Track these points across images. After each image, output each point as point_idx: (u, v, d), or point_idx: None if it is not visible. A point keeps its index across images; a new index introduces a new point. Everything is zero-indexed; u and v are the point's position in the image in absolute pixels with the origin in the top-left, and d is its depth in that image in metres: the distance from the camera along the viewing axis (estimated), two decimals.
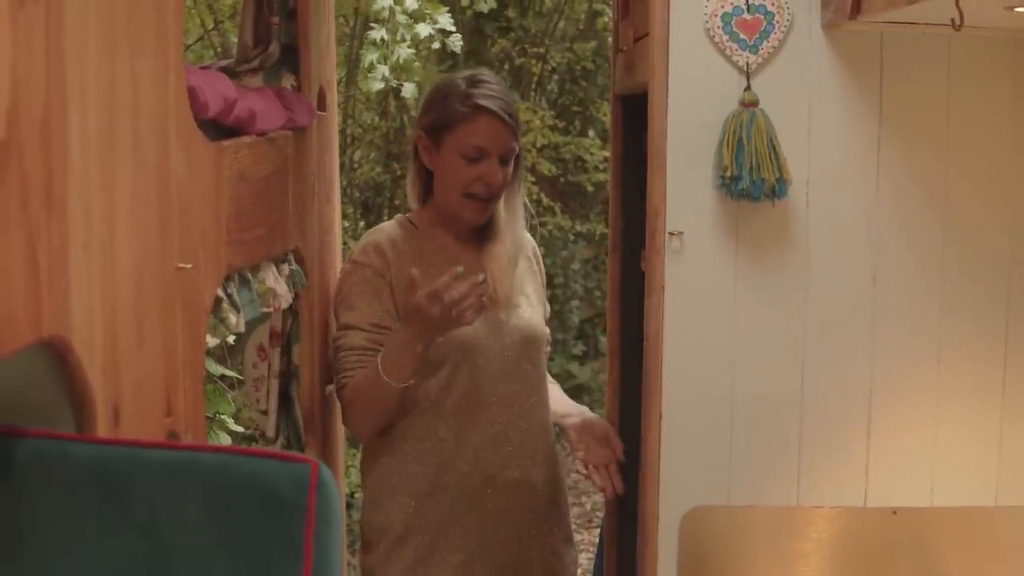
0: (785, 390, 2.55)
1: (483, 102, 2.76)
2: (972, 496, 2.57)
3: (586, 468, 2.94)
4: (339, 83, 7.46)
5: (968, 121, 2.52)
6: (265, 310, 2.48)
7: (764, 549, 2.55)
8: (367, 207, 8.18)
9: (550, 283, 2.85)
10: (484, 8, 6.55)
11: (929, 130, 2.52)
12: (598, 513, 3.10)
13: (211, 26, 7.24)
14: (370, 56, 4.34)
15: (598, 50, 8.88)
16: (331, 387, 2.90)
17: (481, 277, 2.60)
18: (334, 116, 3.13)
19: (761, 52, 2.48)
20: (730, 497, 2.56)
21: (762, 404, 2.55)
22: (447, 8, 4.40)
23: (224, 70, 2.52)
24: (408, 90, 4.47)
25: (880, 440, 2.56)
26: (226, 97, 2.14)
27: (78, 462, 1.41)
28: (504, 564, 2.83)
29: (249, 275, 2.32)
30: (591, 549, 5.92)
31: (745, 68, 2.48)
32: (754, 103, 2.46)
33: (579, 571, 3.36)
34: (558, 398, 3.09)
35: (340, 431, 3.14)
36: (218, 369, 3.62)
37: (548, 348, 3.15)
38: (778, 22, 2.48)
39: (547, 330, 3.09)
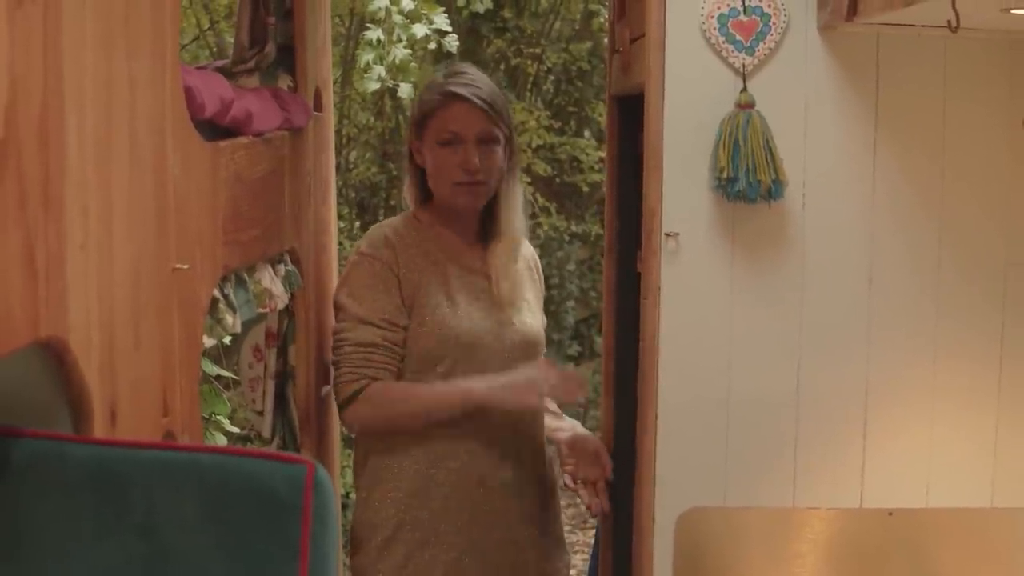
0: (781, 391, 2.55)
1: (454, 89, 2.78)
2: (968, 497, 2.57)
3: (574, 483, 2.92)
4: (335, 83, 7.47)
5: (964, 123, 2.52)
6: (261, 311, 2.49)
7: (760, 550, 2.55)
8: (363, 207, 8.18)
9: (546, 284, 2.85)
10: (480, 8, 6.56)
11: (925, 132, 2.53)
12: (604, 512, 3.12)
13: (207, 26, 7.24)
14: (366, 56, 4.34)
15: (594, 50, 8.89)
16: (327, 388, 2.90)
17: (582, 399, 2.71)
18: (330, 117, 3.13)
19: (757, 54, 2.48)
20: (726, 498, 2.56)
21: (758, 405, 2.55)
22: (443, 8, 4.40)
23: (220, 70, 2.52)
24: (404, 90, 4.48)
25: (876, 441, 2.57)
26: (223, 98, 2.14)
27: (75, 462, 1.41)
28: (497, 564, 2.82)
29: (245, 276, 2.32)
30: (586, 550, 5.93)
31: (741, 69, 2.48)
32: (750, 104, 2.47)
33: (574, 573, 3.35)
34: (552, 410, 3.08)
35: (336, 431, 3.14)
36: (214, 369, 3.61)
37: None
38: (774, 24, 2.48)
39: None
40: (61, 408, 1.46)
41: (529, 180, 8.44)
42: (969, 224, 2.55)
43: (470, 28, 8.38)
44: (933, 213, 2.55)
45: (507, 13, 8.67)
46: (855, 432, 2.56)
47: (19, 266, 1.24)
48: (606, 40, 3.64)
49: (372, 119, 7.81)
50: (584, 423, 3.17)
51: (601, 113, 8.41)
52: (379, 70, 4.31)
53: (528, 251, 3.03)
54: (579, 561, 5.66)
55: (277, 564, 1.39)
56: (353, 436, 2.94)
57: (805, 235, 2.54)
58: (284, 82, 2.74)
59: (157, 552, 1.40)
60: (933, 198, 2.54)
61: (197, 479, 1.42)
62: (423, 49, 4.62)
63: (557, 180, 8.94)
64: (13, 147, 1.21)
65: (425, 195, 2.90)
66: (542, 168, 8.58)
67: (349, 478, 3.21)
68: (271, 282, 2.48)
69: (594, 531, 3.99)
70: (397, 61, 4.30)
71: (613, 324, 3.29)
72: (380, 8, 4.32)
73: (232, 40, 2.75)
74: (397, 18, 4.31)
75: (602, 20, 8.31)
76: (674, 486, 2.55)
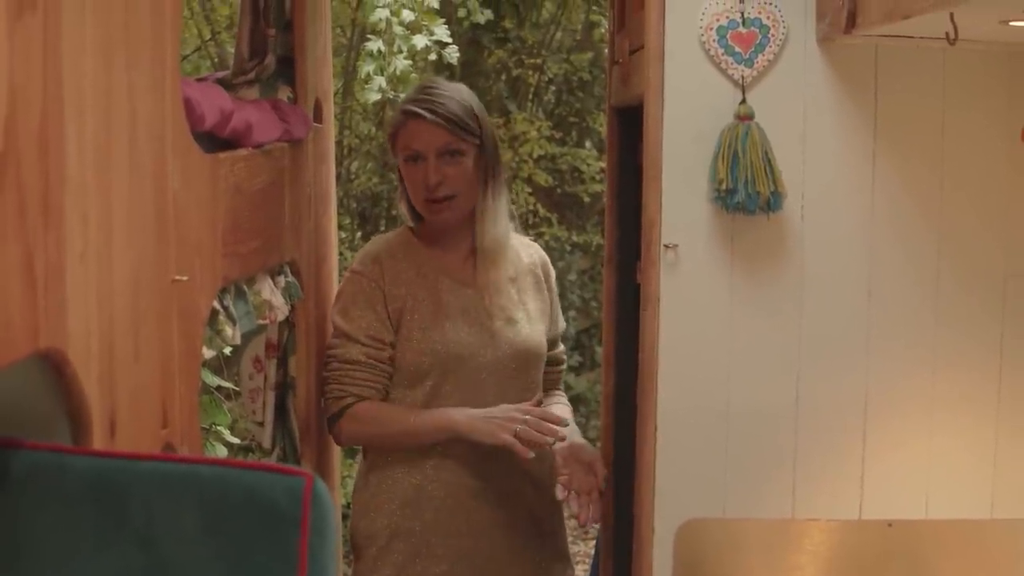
0: (780, 402, 2.55)
1: (409, 107, 2.83)
2: (967, 508, 2.57)
3: (566, 493, 2.90)
4: (336, 94, 7.46)
5: (963, 134, 2.53)
6: (261, 322, 2.49)
7: (759, 562, 2.55)
8: (364, 218, 8.18)
9: None
10: (481, 19, 6.57)
11: (924, 143, 2.53)
12: (595, 525, 3.09)
13: (208, 37, 7.25)
14: (367, 67, 4.35)
15: (595, 61, 8.89)
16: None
17: (552, 441, 2.74)
18: (330, 128, 3.13)
19: (756, 65, 2.49)
20: (725, 509, 2.56)
21: (757, 416, 2.55)
22: (443, 20, 4.41)
23: (220, 82, 2.53)
24: None
25: (875, 452, 2.57)
26: (222, 109, 2.14)
27: (74, 474, 1.41)
28: None
29: (245, 287, 2.32)
30: (587, 561, 5.92)
31: (740, 81, 2.49)
32: (749, 116, 2.47)
33: None
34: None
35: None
36: (214, 380, 3.61)
37: (563, 366, 3.15)
38: (773, 35, 2.48)
39: (559, 347, 3.10)
40: (60, 419, 1.46)
41: (530, 191, 8.44)
42: (968, 235, 2.55)
43: (471, 39, 8.38)
44: (932, 224, 2.55)
45: (508, 24, 8.67)
46: (854, 443, 2.56)
47: (18, 276, 1.24)
48: (607, 51, 3.64)
49: (373, 129, 7.81)
50: (585, 434, 3.16)
51: (602, 123, 8.40)
52: (380, 81, 4.32)
53: (535, 257, 3.03)
54: (581, 572, 5.65)
55: None
56: (359, 447, 2.96)
57: (804, 246, 2.54)
58: (284, 93, 2.74)
59: (156, 564, 1.40)
60: (932, 209, 2.54)
61: (196, 491, 1.41)
62: (424, 60, 4.62)
63: (558, 190, 8.93)
64: (12, 158, 1.22)
65: (417, 211, 2.92)
66: (543, 178, 8.58)
67: (350, 488, 3.21)
68: (271, 293, 2.48)
69: (594, 542, 3.98)
70: (398, 72, 4.31)
71: (613, 335, 3.29)
72: (381, 19, 4.32)
73: (233, 51, 2.76)
74: (398, 29, 4.32)
75: (603, 31, 8.32)
76: (673, 497, 2.55)
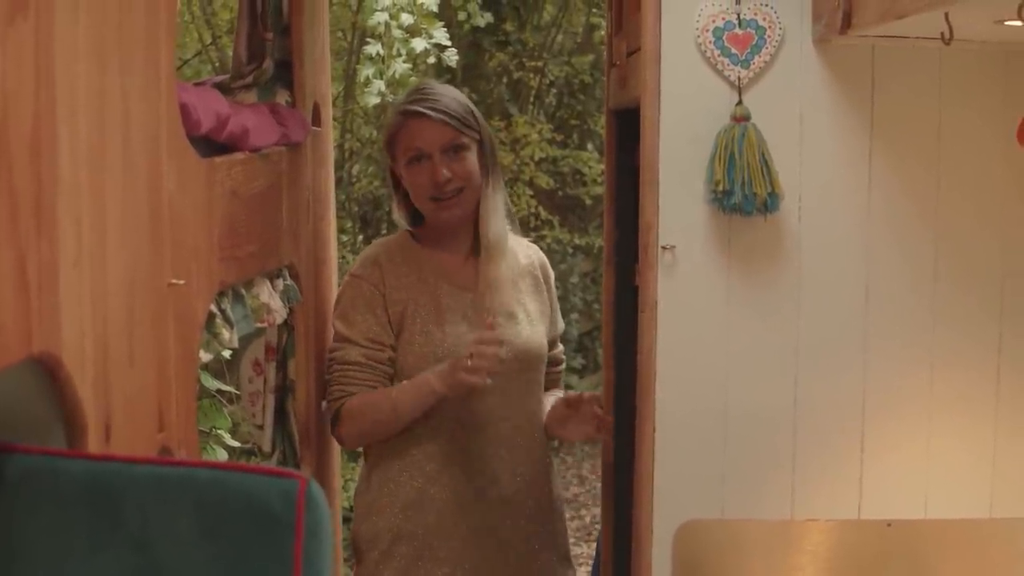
0: (778, 403, 2.55)
1: (410, 107, 2.83)
2: (966, 508, 2.56)
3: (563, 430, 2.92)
4: (337, 97, 7.49)
5: (959, 133, 2.52)
6: (259, 325, 2.49)
7: (758, 562, 2.55)
8: (365, 221, 8.19)
9: None
10: (481, 22, 6.58)
11: (921, 143, 2.53)
12: (597, 526, 3.11)
13: (209, 41, 7.26)
14: (366, 71, 4.36)
15: (596, 63, 8.90)
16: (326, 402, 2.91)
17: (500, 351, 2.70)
18: (329, 132, 3.14)
19: (753, 67, 2.49)
20: (724, 510, 2.56)
21: (756, 417, 2.55)
22: (443, 23, 4.41)
23: (218, 86, 2.53)
24: None
25: (874, 453, 2.56)
26: (219, 114, 2.15)
27: (68, 477, 1.41)
28: None
29: (243, 290, 2.33)
30: (590, 562, 5.92)
31: (737, 83, 2.49)
32: (746, 117, 2.47)
33: None
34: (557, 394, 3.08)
35: (336, 445, 3.14)
36: (214, 384, 3.62)
37: (562, 366, 3.16)
38: (769, 37, 2.48)
39: (558, 348, 3.10)
40: (55, 423, 1.46)
41: (532, 193, 8.45)
42: (965, 234, 2.55)
43: (472, 42, 8.40)
44: (929, 224, 2.55)
45: (509, 26, 8.69)
46: (853, 444, 2.56)
47: (11, 281, 1.25)
48: (605, 53, 3.65)
49: (375, 133, 7.82)
50: None
51: (603, 126, 8.41)
52: (379, 84, 4.32)
53: (533, 258, 3.03)
54: (583, 574, 5.65)
55: None
56: (361, 450, 2.97)
57: (801, 247, 2.54)
58: (282, 97, 2.75)
59: (150, 567, 1.40)
60: (929, 209, 2.54)
61: (190, 494, 1.42)
62: (424, 63, 4.62)
63: (560, 193, 8.95)
64: (4, 162, 1.22)
65: (416, 214, 2.92)
66: (545, 181, 8.59)
67: (352, 491, 3.22)
68: (269, 297, 2.49)
69: (596, 543, 3.99)
70: (397, 76, 4.31)
71: (612, 337, 3.29)
72: (380, 23, 4.33)
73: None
74: (397, 33, 4.33)
75: (603, 33, 8.32)
76: (672, 499, 2.55)
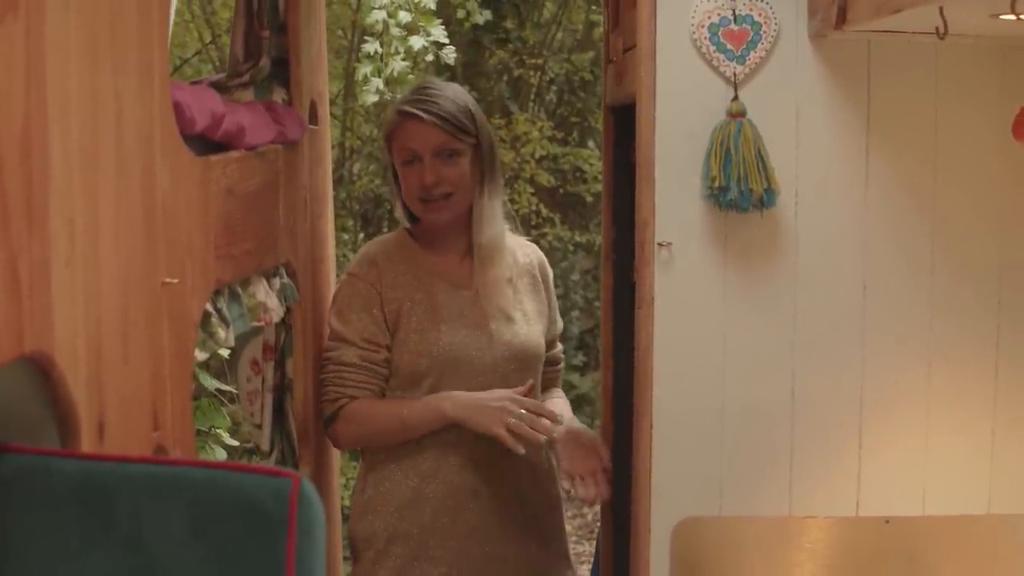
0: (776, 399, 2.55)
1: (406, 108, 2.82)
2: (964, 504, 2.56)
3: (571, 480, 2.85)
4: (338, 96, 7.50)
5: (956, 128, 2.52)
6: (256, 324, 2.49)
7: (757, 559, 2.55)
8: (366, 219, 8.20)
9: None
10: (480, 20, 6.57)
11: (917, 137, 2.53)
12: (599, 524, 3.12)
13: (209, 40, 7.26)
14: (364, 69, 4.35)
15: (596, 60, 8.89)
16: None
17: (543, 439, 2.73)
18: (326, 130, 3.13)
19: (748, 62, 2.49)
20: (722, 507, 2.56)
21: (753, 414, 2.55)
22: (441, 20, 4.40)
23: (215, 84, 2.53)
24: None
25: (871, 449, 2.56)
26: (213, 112, 2.14)
27: (61, 477, 1.41)
28: None
29: (239, 289, 2.32)
30: (591, 561, 5.92)
31: (732, 78, 2.49)
32: (741, 113, 2.47)
33: None
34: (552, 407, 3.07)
35: None
36: (213, 383, 3.62)
37: (560, 365, 3.15)
38: (765, 32, 2.48)
39: (557, 347, 3.09)
40: (48, 423, 1.46)
41: (533, 191, 8.44)
42: (962, 229, 2.55)
43: (472, 39, 8.39)
44: (926, 218, 2.55)
45: (509, 24, 8.68)
46: (851, 439, 2.56)
47: (2, 281, 1.25)
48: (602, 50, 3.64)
49: (375, 131, 7.82)
50: None
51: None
52: (377, 83, 4.31)
53: (531, 257, 3.03)
54: (584, 572, 5.65)
55: None
56: (359, 449, 2.96)
57: (798, 243, 2.54)
58: (279, 95, 2.74)
59: (144, 566, 1.40)
60: (926, 203, 2.54)
61: (184, 493, 1.41)
62: (423, 61, 4.61)
63: (561, 191, 8.94)
64: None
65: (413, 212, 2.92)
66: (545, 179, 8.59)
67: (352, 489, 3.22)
68: (266, 295, 2.48)
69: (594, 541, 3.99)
70: (395, 73, 4.30)
71: (611, 334, 3.29)
72: (378, 21, 4.32)
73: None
74: (395, 31, 4.31)
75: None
76: (670, 496, 2.55)
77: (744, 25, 2.48)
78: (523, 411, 2.70)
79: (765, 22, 2.48)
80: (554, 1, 9.11)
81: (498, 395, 2.74)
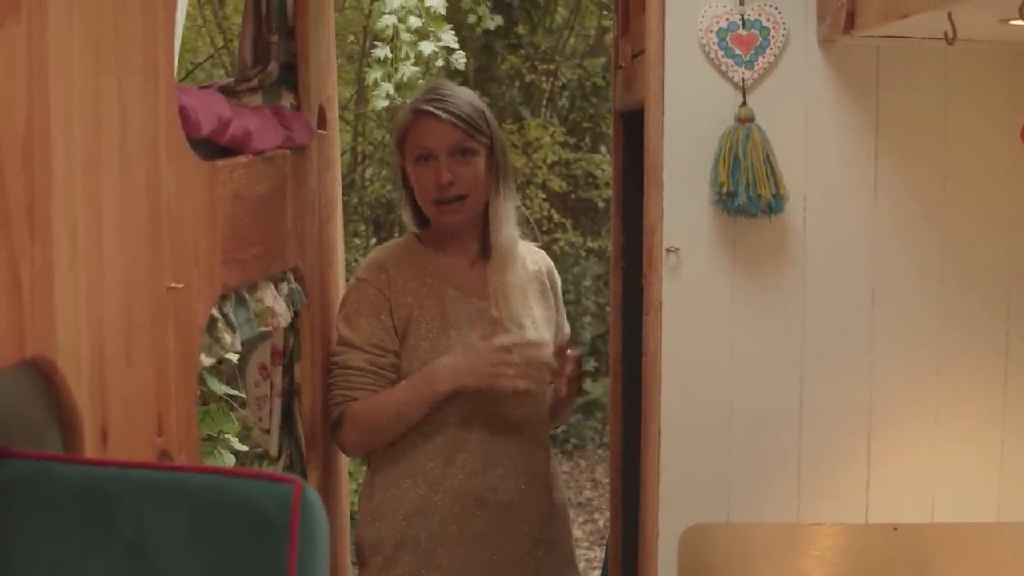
0: (784, 406, 2.54)
1: (422, 106, 2.82)
2: (973, 512, 2.55)
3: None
4: (349, 101, 7.50)
5: (965, 133, 2.51)
6: (263, 329, 2.48)
7: (765, 567, 2.54)
8: (378, 225, 8.21)
9: (563, 300, 2.89)
10: (491, 25, 6.58)
11: (926, 143, 2.52)
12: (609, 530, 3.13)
13: (221, 44, 7.28)
14: (374, 74, 4.36)
15: (608, 66, 8.87)
16: None
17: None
18: (335, 134, 3.13)
19: (757, 68, 2.48)
20: (730, 515, 2.55)
21: (761, 420, 2.54)
22: (450, 26, 4.41)
23: (224, 89, 2.53)
24: None
25: (880, 456, 2.55)
26: (220, 117, 2.14)
27: (63, 482, 1.40)
28: None
29: (246, 294, 2.32)
30: (601, 566, 5.91)
31: (741, 84, 2.48)
32: (750, 119, 2.46)
33: None
34: None
35: None
36: (222, 388, 3.62)
37: None
38: (773, 37, 2.47)
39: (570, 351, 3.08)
40: (50, 427, 1.46)
41: (545, 196, 8.45)
42: (972, 235, 2.54)
43: (484, 45, 8.40)
44: (935, 225, 2.53)
45: (521, 29, 8.70)
46: (859, 446, 2.55)
47: (3, 285, 1.24)
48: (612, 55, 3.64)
49: (387, 136, 7.83)
50: (601, 439, 3.15)
51: None
52: (387, 87, 4.32)
53: (540, 264, 3.02)
54: None
55: None
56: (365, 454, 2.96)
57: (807, 249, 2.53)
58: (287, 100, 2.75)
59: (146, 572, 1.40)
60: (935, 209, 2.53)
61: (186, 499, 1.41)
62: (434, 66, 4.62)
63: (572, 196, 8.95)
64: None
65: (422, 215, 2.91)
66: (557, 184, 8.59)
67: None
68: (273, 300, 2.48)
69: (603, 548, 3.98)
70: (405, 78, 4.31)
71: (620, 340, 3.28)
72: (388, 26, 4.33)
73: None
74: (405, 36, 4.32)
75: None
76: (678, 503, 2.54)
77: (752, 30, 2.48)
78: (513, 357, 2.71)
79: (774, 27, 2.47)
80: (566, 6, 9.12)
81: (480, 353, 2.73)
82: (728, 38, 2.48)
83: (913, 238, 2.53)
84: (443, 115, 2.78)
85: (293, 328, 2.77)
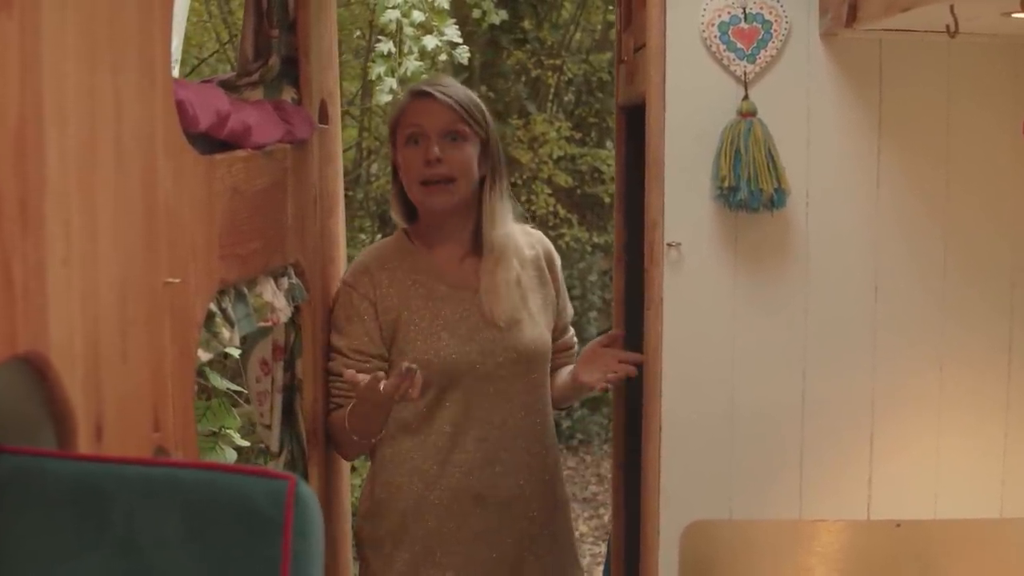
0: (786, 402, 2.53)
1: (418, 87, 2.86)
2: (976, 508, 2.54)
3: (595, 382, 2.83)
4: (355, 96, 7.49)
5: (968, 127, 2.50)
6: (263, 324, 2.48)
7: (767, 563, 2.53)
8: (384, 220, 8.19)
9: (568, 295, 2.87)
10: (496, 20, 6.56)
11: (929, 137, 2.50)
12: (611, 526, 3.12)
13: (226, 40, 7.27)
14: (377, 69, 4.35)
15: (614, 61, 8.89)
16: None
17: (404, 367, 2.54)
18: (337, 129, 3.12)
19: (759, 61, 2.46)
20: (732, 511, 2.54)
21: (763, 416, 2.53)
22: (455, 20, 4.40)
23: (225, 83, 2.53)
24: None
25: (883, 452, 2.54)
26: (218, 111, 2.13)
27: (55, 478, 1.40)
28: None
29: (245, 289, 2.31)
30: (604, 561, 5.91)
31: (743, 77, 2.47)
32: (752, 113, 2.45)
33: None
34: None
35: None
36: (223, 383, 3.61)
37: (573, 350, 3.08)
38: (776, 31, 2.46)
39: (569, 333, 3.06)
40: (44, 424, 1.45)
41: (550, 191, 8.44)
42: (975, 230, 2.52)
43: (489, 40, 8.39)
44: (938, 219, 2.52)
45: (527, 24, 8.68)
46: (862, 443, 2.54)
47: None
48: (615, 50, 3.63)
49: None
50: (606, 436, 3.14)
51: None
52: (391, 82, 4.31)
53: (537, 248, 2.98)
54: (599, 574, 5.64)
55: None
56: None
57: (809, 243, 2.51)
58: (288, 94, 2.74)
59: (138, 568, 1.39)
60: (938, 204, 2.51)
61: (179, 495, 1.41)
62: (438, 61, 4.61)
63: (578, 191, 8.94)
64: None
65: (412, 212, 2.90)
66: (563, 179, 8.58)
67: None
68: (273, 295, 2.47)
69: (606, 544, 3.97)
70: (409, 73, 4.30)
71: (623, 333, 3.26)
72: (391, 21, 4.32)
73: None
74: (408, 30, 4.32)
75: None
76: (679, 499, 2.53)
77: (754, 24, 2.46)
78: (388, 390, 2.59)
79: (776, 20, 2.46)
80: (572, 1, 9.11)
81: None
82: (730, 32, 2.46)
83: (916, 232, 2.52)
84: (438, 95, 2.79)
85: (294, 323, 2.76)
